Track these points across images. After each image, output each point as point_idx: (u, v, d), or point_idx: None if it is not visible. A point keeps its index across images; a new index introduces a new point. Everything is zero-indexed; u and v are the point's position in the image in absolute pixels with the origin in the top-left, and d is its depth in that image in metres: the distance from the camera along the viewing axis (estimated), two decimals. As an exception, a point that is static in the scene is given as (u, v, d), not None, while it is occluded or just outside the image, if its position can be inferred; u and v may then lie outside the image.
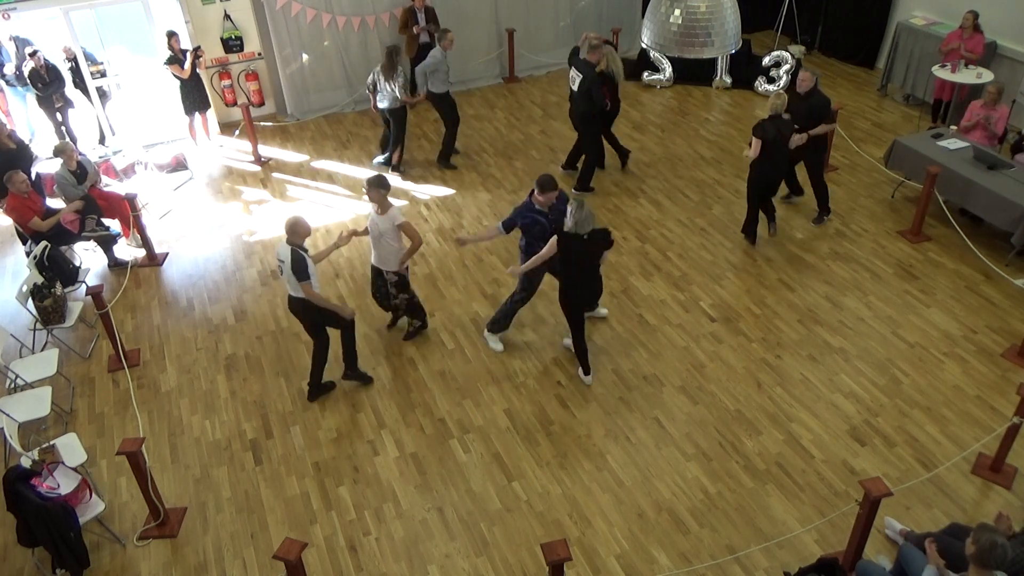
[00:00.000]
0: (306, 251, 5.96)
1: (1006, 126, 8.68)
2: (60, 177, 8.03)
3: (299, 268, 5.86)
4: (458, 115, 9.86)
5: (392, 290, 6.85)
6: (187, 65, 9.86)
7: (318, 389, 6.57)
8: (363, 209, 9.18)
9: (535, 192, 6.41)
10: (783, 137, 7.53)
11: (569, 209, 6.00)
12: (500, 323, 6.99)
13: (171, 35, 9.76)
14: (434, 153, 10.30)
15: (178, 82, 10.03)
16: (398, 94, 9.15)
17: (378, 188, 6.36)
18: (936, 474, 5.72)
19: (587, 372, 6.64)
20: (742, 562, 5.18)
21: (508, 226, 6.52)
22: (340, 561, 5.30)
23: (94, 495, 5.40)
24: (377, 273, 6.83)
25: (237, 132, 10.86)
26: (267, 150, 10.54)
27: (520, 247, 6.77)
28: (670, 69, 11.89)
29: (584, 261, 6.19)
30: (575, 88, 8.63)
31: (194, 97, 10.23)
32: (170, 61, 9.81)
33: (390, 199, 6.45)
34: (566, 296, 6.36)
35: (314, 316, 6.24)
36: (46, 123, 10.20)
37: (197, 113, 10.41)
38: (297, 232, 5.91)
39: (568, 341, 6.85)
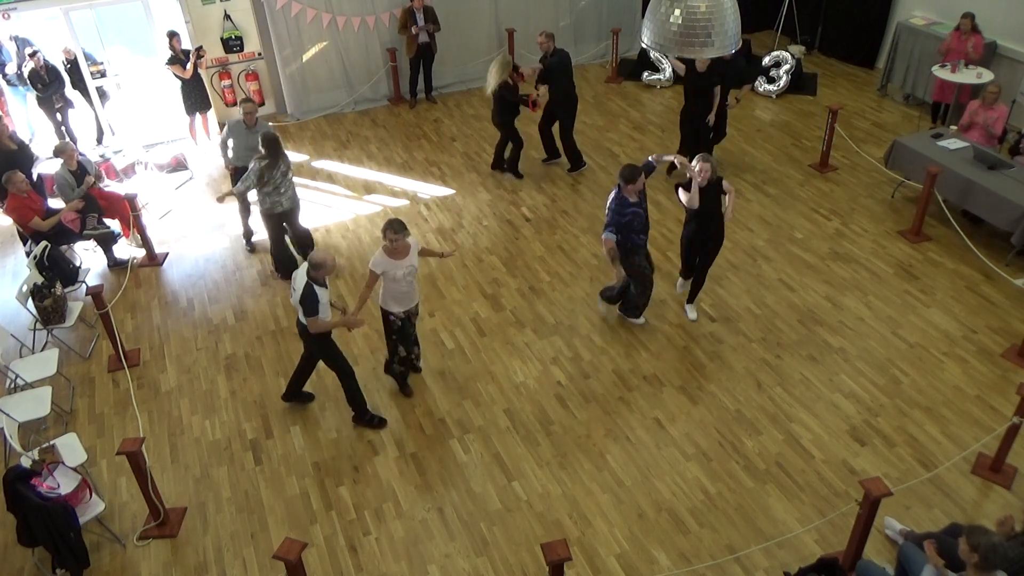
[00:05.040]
0: (325, 286, 5.71)
1: (1005, 126, 8.68)
2: (60, 178, 8.02)
3: (309, 303, 5.58)
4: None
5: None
6: (189, 65, 9.86)
7: (295, 396, 6.51)
8: (361, 210, 9.19)
9: (622, 186, 6.34)
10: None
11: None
12: (631, 307, 7.10)
13: (172, 35, 9.76)
14: (434, 152, 10.31)
15: (179, 82, 10.03)
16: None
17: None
18: (936, 474, 5.72)
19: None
20: (742, 562, 5.18)
21: (615, 231, 6.43)
22: (340, 561, 5.30)
23: (94, 495, 5.41)
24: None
25: (237, 132, 10.86)
26: (267, 150, 10.53)
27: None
28: (670, 69, 11.88)
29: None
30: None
31: (195, 97, 10.23)
32: (171, 61, 9.80)
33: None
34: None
35: (315, 350, 6.07)
36: (46, 123, 10.20)
37: (198, 113, 10.41)
38: (322, 269, 5.61)
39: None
